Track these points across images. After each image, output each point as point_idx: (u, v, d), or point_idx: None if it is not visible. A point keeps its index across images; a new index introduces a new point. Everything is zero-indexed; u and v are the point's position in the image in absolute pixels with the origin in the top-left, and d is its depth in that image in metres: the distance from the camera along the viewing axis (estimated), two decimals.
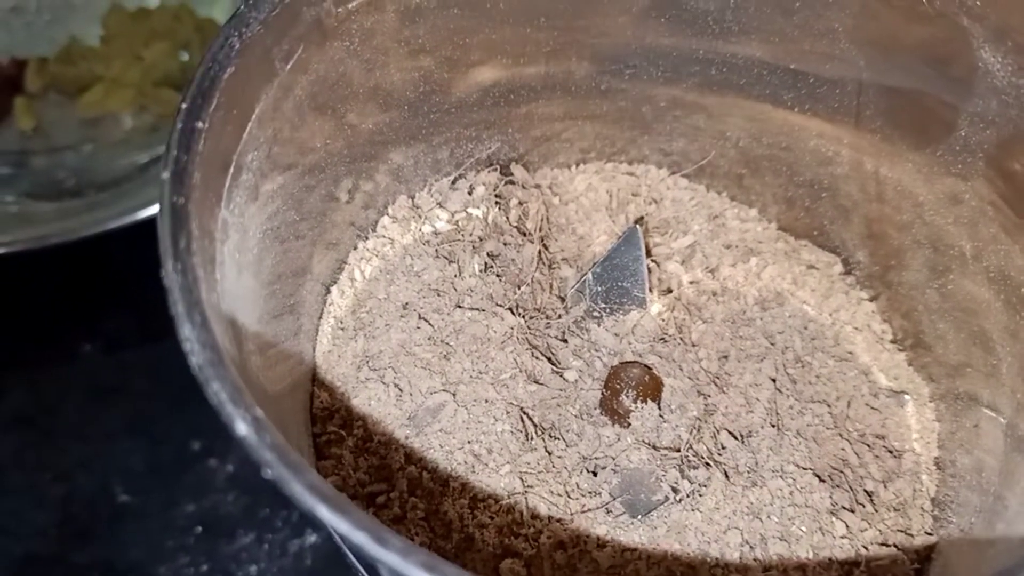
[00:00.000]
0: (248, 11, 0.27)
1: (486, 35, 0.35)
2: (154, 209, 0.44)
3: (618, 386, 0.34)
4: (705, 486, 0.32)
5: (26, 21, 0.59)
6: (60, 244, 0.44)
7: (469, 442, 0.33)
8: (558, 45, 0.36)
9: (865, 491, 0.33)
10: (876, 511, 0.33)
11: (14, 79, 0.55)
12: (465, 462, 0.33)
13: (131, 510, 0.44)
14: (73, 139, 0.54)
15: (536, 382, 0.35)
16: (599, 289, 0.36)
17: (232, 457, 0.45)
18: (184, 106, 0.24)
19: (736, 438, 0.33)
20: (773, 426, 0.34)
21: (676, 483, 0.32)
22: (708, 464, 0.32)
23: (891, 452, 0.35)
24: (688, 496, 0.32)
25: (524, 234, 0.38)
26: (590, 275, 0.36)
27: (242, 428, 0.20)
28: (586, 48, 0.37)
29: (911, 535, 0.33)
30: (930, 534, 0.33)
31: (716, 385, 0.35)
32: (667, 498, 0.32)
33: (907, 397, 0.36)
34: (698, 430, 0.34)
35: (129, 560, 0.42)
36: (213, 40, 0.26)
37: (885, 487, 0.33)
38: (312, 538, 0.43)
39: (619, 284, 0.36)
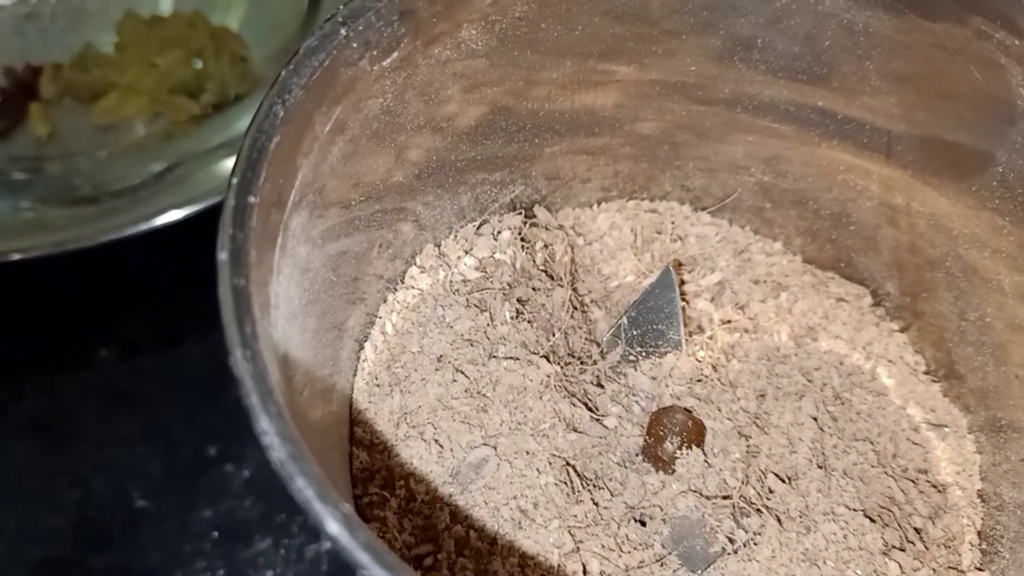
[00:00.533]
0: (289, 77, 0.26)
1: (512, 82, 0.34)
2: (170, 216, 0.44)
3: (661, 432, 0.34)
4: (759, 534, 0.32)
5: (41, 27, 0.58)
6: (76, 250, 0.44)
7: (514, 497, 0.33)
8: (584, 86, 0.36)
9: (914, 529, 0.33)
10: (926, 549, 0.33)
11: (29, 85, 0.55)
12: (512, 518, 0.32)
13: (148, 515, 0.43)
14: (88, 145, 0.53)
15: (576, 430, 0.34)
16: (635, 333, 0.36)
17: (248, 463, 0.44)
18: (235, 181, 0.24)
19: (783, 481, 0.33)
20: (820, 467, 0.33)
21: (732, 533, 0.31)
22: (760, 511, 0.32)
23: (935, 487, 0.35)
24: (744, 546, 0.31)
25: (552, 277, 0.38)
26: (625, 319, 0.36)
27: (333, 527, 0.19)
28: (611, 88, 0.36)
29: (962, 572, 0.33)
30: (980, 569, 0.33)
31: (757, 426, 0.35)
32: (724, 550, 0.31)
33: (946, 429, 0.36)
34: (745, 474, 0.33)
35: (146, 565, 0.42)
36: (257, 111, 0.25)
37: (933, 523, 0.33)
38: (328, 544, 0.42)
39: (654, 327, 0.36)
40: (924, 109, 0.33)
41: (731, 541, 0.31)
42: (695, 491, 0.33)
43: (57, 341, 0.49)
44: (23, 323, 0.49)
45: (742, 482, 0.33)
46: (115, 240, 0.44)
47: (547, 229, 0.39)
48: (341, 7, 0.28)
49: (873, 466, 0.34)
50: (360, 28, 0.28)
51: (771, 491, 0.33)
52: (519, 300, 0.37)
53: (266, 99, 0.25)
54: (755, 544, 0.31)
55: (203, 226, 0.46)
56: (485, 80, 0.33)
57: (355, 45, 0.28)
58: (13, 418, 0.46)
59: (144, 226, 0.44)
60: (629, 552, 0.32)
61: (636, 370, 0.36)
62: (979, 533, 0.34)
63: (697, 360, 0.36)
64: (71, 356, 0.48)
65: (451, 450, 0.33)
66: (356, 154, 0.30)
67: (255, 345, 0.21)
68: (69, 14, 0.58)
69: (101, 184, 0.51)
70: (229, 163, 0.48)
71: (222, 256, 0.22)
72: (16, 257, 0.44)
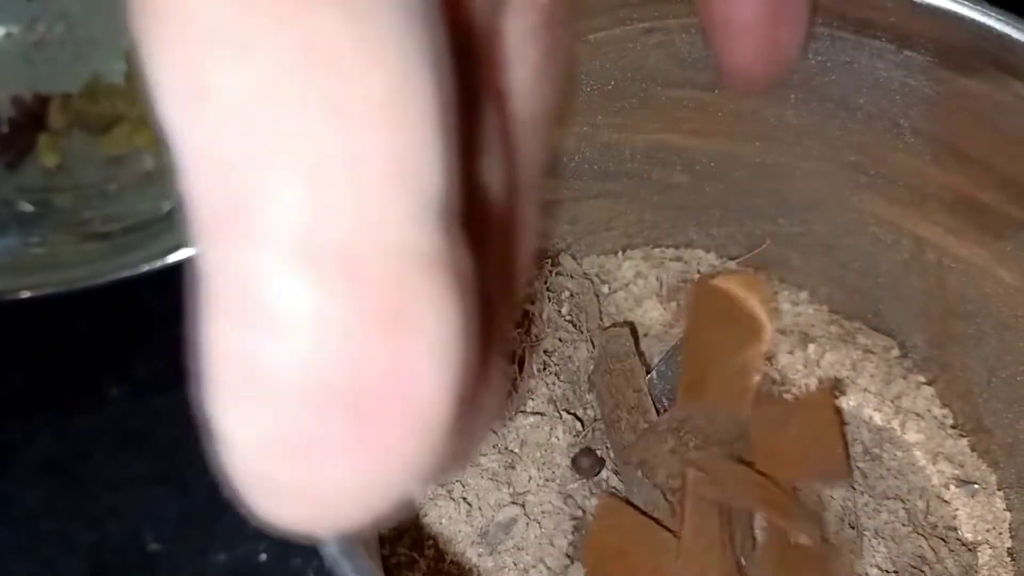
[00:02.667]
0: None
1: None
2: (183, 254, 0.43)
3: None
4: None
5: (49, 56, 0.56)
6: (87, 288, 0.43)
7: (542, 559, 0.32)
8: (615, 140, 0.35)
9: None
10: None
11: (38, 116, 0.54)
12: None
13: (162, 559, 0.43)
14: (97, 177, 0.52)
15: (603, 488, 0.34)
16: (664, 387, 0.36)
17: None
18: None
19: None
20: (852, 527, 0.33)
21: None
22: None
23: (965, 545, 0.34)
24: None
25: (577, 328, 0.37)
26: (654, 373, 0.36)
27: None
28: (639, 139, 0.36)
29: None
30: None
31: None
32: None
33: (975, 486, 0.36)
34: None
35: None
36: None
37: None
38: None
39: None
40: (958, 169, 0.32)
41: None
42: None
43: (68, 379, 0.48)
44: (33, 361, 0.48)
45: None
46: (126, 278, 0.44)
47: (572, 278, 0.39)
48: None
49: (904, 524, 0.34)
50: None
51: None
52: (545, 352, 0.36)
53: None
54: None
55: None
56: None
57: None
58: (26, 459, 0.45)
59: (157, 263, 0.44)
60: None
61: None
62: None
63: None
64: (82, 395, 0.47)
65: (479, 508, 0.33)
66: None
67: None
68: (78, 42, 0.57)
69: (112, 218, 0.50)
70: None
71: None
72: (26, 295, 0.44)
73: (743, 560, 0.31)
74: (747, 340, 0.33)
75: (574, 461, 0.34)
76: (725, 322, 0.34)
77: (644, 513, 0.32)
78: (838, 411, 0.35)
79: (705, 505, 0.30)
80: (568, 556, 0.32)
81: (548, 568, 0.32)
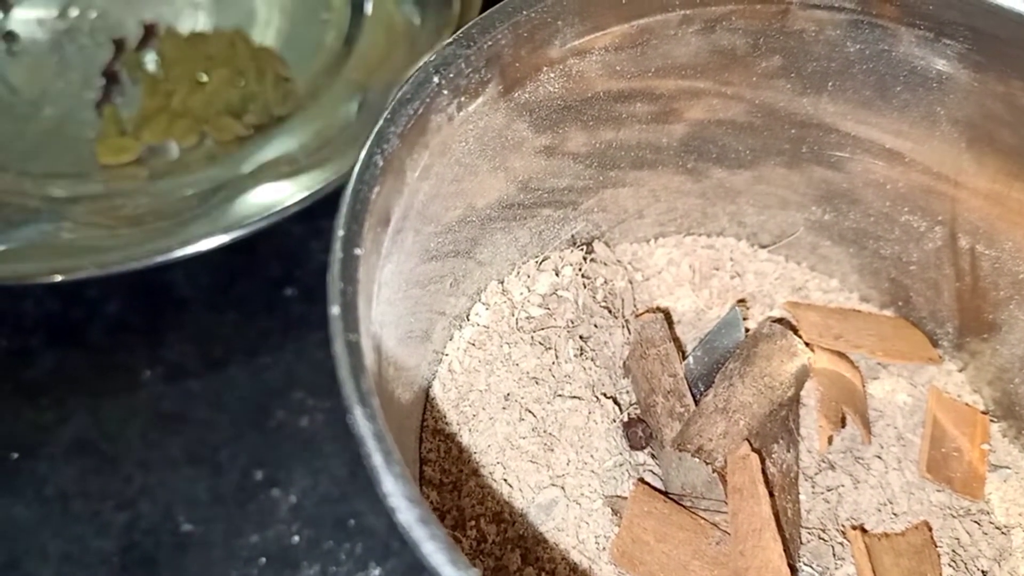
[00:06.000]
0: (387, 126, 0.26)
1: (584, 121, 0.34)
2: (215, 241, 0.44)
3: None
4: (833, 573, 0.32)
5: (79, 45, 0.58)
6: (120, 272, 0.44)
7: (583, 541, 0.33)
8: (652, 123, 0.36)
9: (981, 572, 0.33)
10: None
11: None
12: (581, 560, 0.32)
13: (195, 540, 0.43)
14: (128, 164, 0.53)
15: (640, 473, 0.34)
16: (699, 372, 0.36)
17: (295, 488, 0.45)
18: (341, 234, 0.24)
19: (853, 526, 0.33)
20: (887, 504, 0.34)
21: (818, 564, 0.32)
22: (831, 549, 0.32)
23: (998, 528, 0.35)
24: None
25: (612, 314, 0.38)
26: (690, 359, 0.36)
27: None
28: (677, 127, 0.36)
29: None
30: None
31: (822, 466, 0.35)
32: None
33: (1007, 471, 0.36)
34: (810, 516, 0.33)
35: None
36: (358, 161, 0.25)
37: (999, 565, 0.34)
38: (376, 572, 0.42)
39: (719, 366, 0.36)
40: (993, 157, 0.33)
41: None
42: None
43: (101, 362, 0.49)
44: (66, 344, 0.49)
45: (816, 536, 0.33)
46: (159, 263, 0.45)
47: (606, 265, 0.39)
48: (431, 55, 0.28)
49: (937, 506, 0.34)
50: (451, 75, 0.28)
51: (843, 535, 0.33)
52: (581, 337, 0.37)
53: (368, 149, 0.25)
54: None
55: (243, 248, 0.46)
56: (559, 120, 0.33)
57: (446, 92, 0.28)
58: (59, 439, 0.46)
59: (189, 250, 0.45)
60: None
61: None
62: None
63: None
64: (115, 377, 0.48)
65: (520, 490, 0.33)
66: (438, 197, 0.30)
67: (372, 402, 0.21)
68: (108, 30, 0.57)
69: (142, 205, 0.51)
70: (271, 187, 0.48)
71: (334, 311, 0.22)
72: (58, 278, 0.45)
73: (791, 546, 0.31)
74: None
75: (626, 429, 0.34)
76: None
77: (677, 501, 0.33)
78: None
79: (753, 485, 0.30)
80: (607, 538, 0.33)
81: (588, 549, 0.32)
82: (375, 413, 0.21)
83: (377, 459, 0.21)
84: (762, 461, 0.31)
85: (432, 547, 0.19)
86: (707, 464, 0.32)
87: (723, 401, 0.33)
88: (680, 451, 0.32)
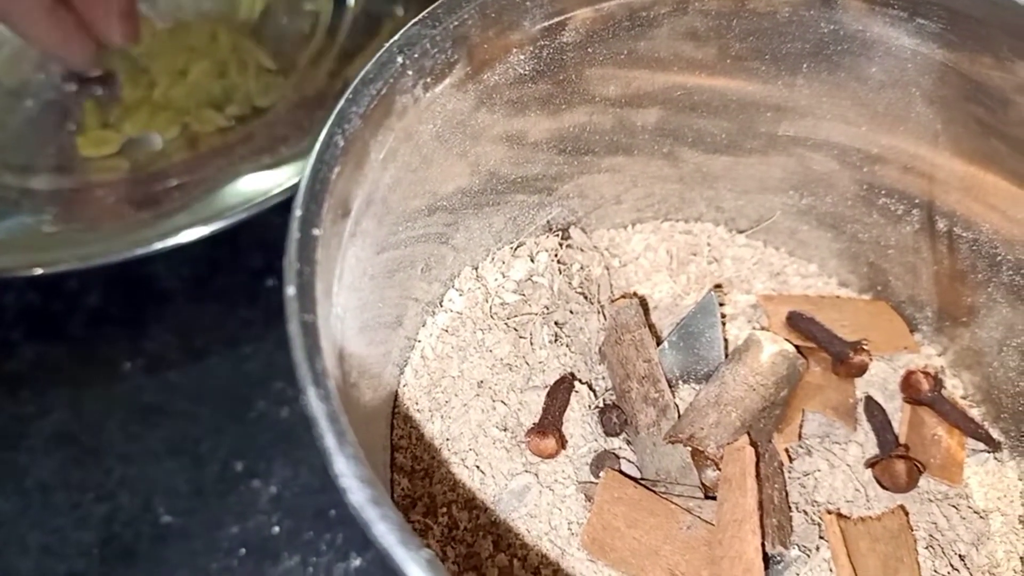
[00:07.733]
0: (348, 106, 0.26)
1: (556, 105, 0.34)
2: (195, 233, 0.44)
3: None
4: (810, 555, 0.32)
5: None
6: (101, 265, 0.44)
7: (555, 527, 0.32)
8: (626, 107, 0.35)
9: (958, 556, 0.33)
10: None
11: None
12: (554, 547, 0.32)
13: (174, 531, 0.43)
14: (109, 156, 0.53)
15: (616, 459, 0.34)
16: (675, 358, 0.36)
17: (275, 479, 0.44)
18: (299, 214, 0.23)
19: (829, 510, 0.33)
20: (861, 492, 0.33)
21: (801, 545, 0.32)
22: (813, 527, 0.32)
23: (976, 513, 0.34)
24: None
25: (588, 300, 0.38)
26: (665, 344, 0.36)
27: (417, 573, 0.19)
28: (651, 111, 0.36)
29: None
30: None
31: (800, 449, 0.35)
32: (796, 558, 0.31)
33: (986, 455, 0.36)
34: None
35: None
36: (319, 141, 0.25)
37: (977, 550, 0.33)
38: (356, 562, 0.42)
39: (694, 352, 0.36)
40: (969, 137, 0.33)
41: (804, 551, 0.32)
42: None
43: (81, 354, 0.48)
44: (46, 336, 0.49)
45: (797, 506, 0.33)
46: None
47: (582, 251, 0.39)
48: (397, 36, 0.28)
49: (916, 492, 0.34)
50: (416, 55, 0.28)
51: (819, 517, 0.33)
52: (557, 323, 0.36)
53: (328, 129, 0.25)
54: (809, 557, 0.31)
55: (225, 239, 0.46)
56: (531, 103, 0.33)
57: (410, 73, 0.28)
58: (39, 431, 0.45)
59: (170, 242, 0.44)
60: None
61: (675, 395, 0.36)
62: (1022, 559, 0.34)
63: None
64: (96, 369, 0.48)
65: (492, 477, 0.33)
66: (404, 181, 0.30)
67: (327, 383, 0.21)
68: None
69: (123, 197, 0.50)
70: (252, 178, 0.48)
71: (290, 291, 0.22)
72: (39, 272, 0.44)
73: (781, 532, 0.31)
74: None
75: (601, 415, 0.34)
76: None
77: (650, 487, 0.33)
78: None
79: (743, 477, 0.30)
80: (580, 524, 0.32)
81: (560, 536, 0.32)
82: (329, 394, 0.21)
83: (329, 440, 0.20)
84: (757, 457, 0.31)
85: (383, 528, 0.19)
86: (699, 450, 0.31)
87: (714, 396, 0.33)
88: (672, 443, 0.32)
